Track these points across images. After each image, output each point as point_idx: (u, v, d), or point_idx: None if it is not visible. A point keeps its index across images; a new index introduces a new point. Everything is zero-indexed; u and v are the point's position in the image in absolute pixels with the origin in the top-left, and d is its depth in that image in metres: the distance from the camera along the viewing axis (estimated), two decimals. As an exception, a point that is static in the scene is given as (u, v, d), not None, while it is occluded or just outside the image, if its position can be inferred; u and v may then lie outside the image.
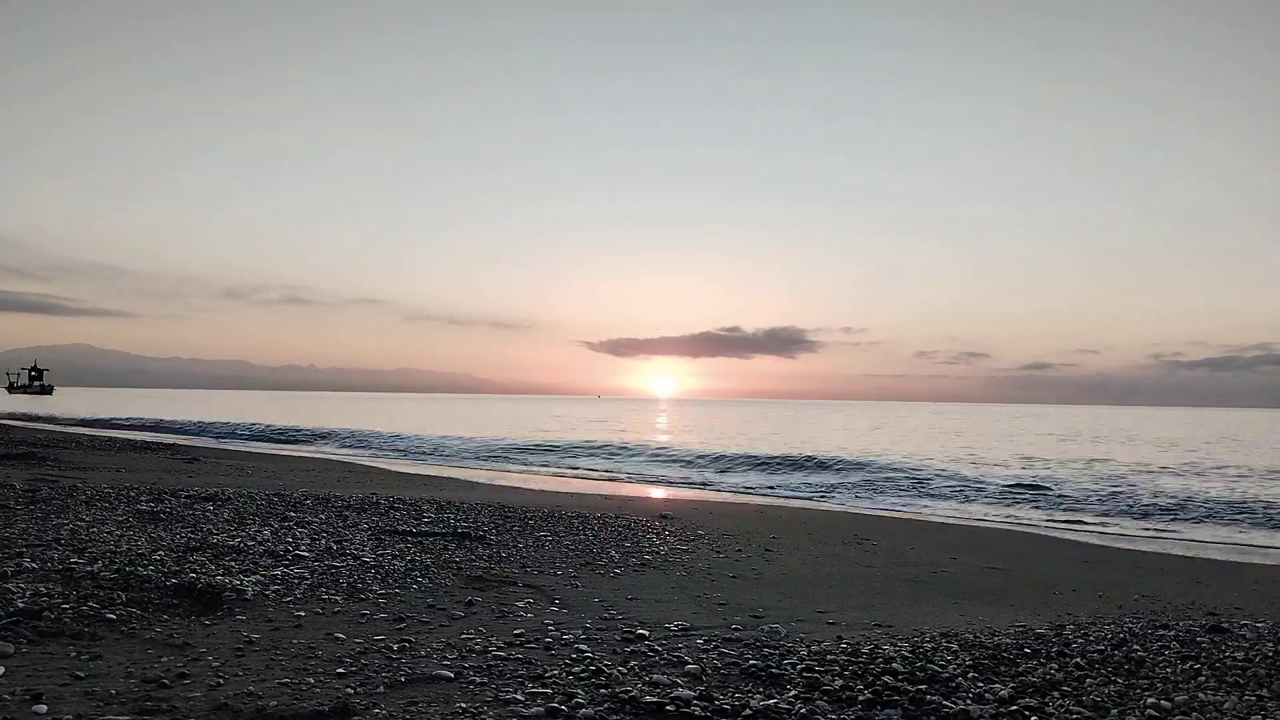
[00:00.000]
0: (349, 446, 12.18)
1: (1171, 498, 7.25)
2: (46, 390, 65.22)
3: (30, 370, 69.54)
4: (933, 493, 7.56)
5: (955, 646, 1.86)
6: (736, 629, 1.98)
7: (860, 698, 1.48)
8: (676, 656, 1.68)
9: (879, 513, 5.66)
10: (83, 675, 1.37)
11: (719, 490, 7.15)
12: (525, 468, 9.26)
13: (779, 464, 9.99)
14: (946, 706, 1.44)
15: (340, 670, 1.49)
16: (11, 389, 66.40)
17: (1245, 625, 2.22)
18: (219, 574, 2.13)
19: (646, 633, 1.87)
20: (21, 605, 1.68)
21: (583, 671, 1.55)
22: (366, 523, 3.11)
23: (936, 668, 1.66)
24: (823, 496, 7.01)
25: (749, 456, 10.72)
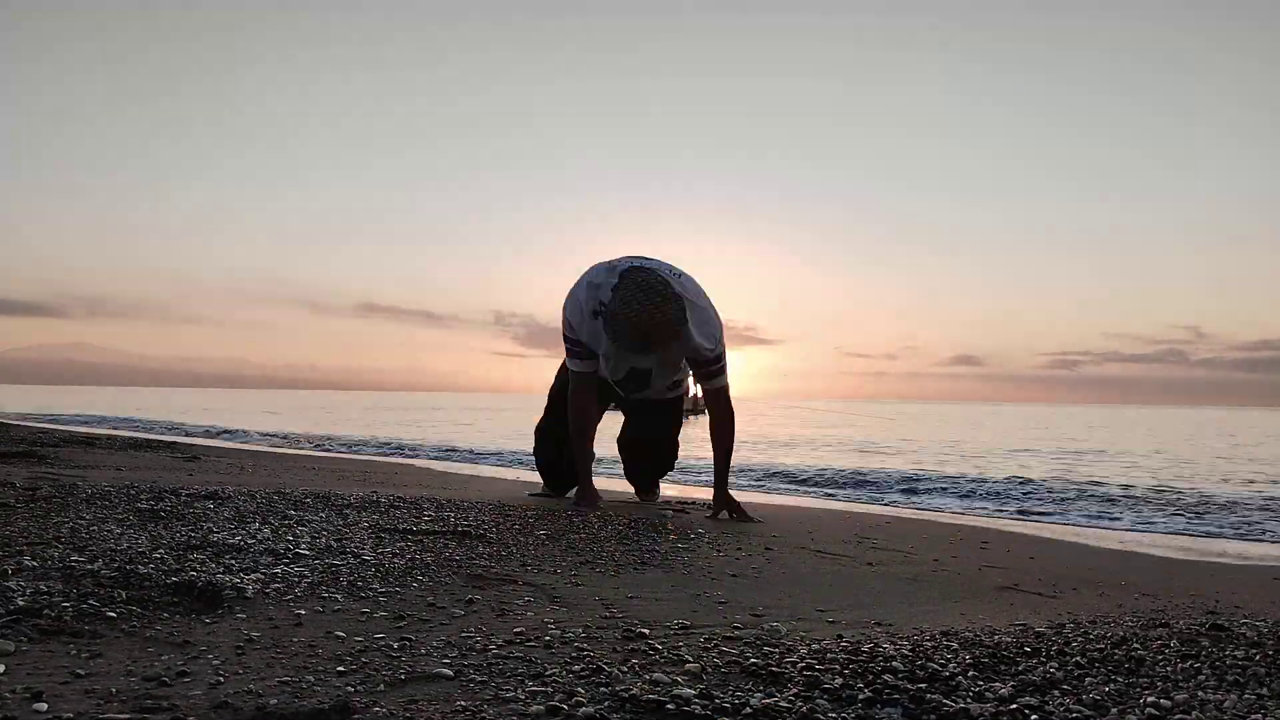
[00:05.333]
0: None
1: (1171, 497, 7.24)
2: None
3: None
4: (931, 491, 7.56)
5: (955, 645, 1.85)
6: (737, 627, 1.97)
7: (860, 696, 1.47)
8: (677, 655, 1.68)
9: (879, 511, 5.66)
10: (83, 673, 1.36)
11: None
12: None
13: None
14: (947, 705, 1.43)
15: (340, 668, 1.48)
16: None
17: (1245, 624, 2.21)
18: (219, 572, 2.12)
19: (647, 631, 1.86)
20: (22, 603, 1.67)
21: (583, 670, 1.54)
22: (367, 521, 3.11)
23: (936, 666, 1.65)
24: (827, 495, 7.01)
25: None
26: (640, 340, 3.20)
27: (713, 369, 3.79)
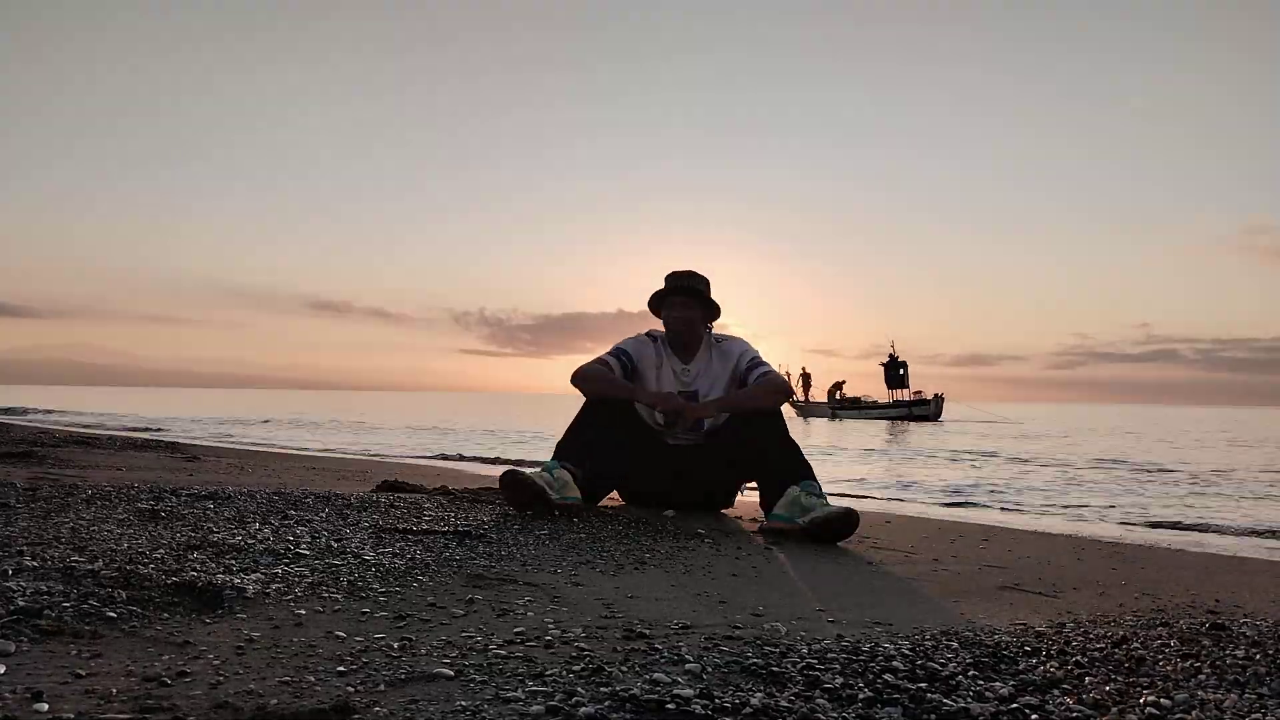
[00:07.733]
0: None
1: (1174, 494, 7.25)
2: (930, 413, 27.54)
3: (890, 362, 32.63)
4: (931, 488, 7.55)
5: (955, 644, 1.85)
6: (737, 627, 1.97)
7: (860, 696, 1.47)
8: (677, 654, 1.68)
9: (879, 511, 5.66)
10: (83, 673, 1.36)
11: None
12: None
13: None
14: (947, 704, 1.43)
15: (341, 668, 1.48)
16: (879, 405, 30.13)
17: (1246, 623, 2.21)
18: (219, 572, 2.12)
19: (647, 631, 1.86)
20: (22, 604, 1.67)
21: (583, 669, 1.54)
22: (367, 521, 3.11)
23: (937, 666, 1.66)
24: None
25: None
26: (675, 280, 3.72)
27: (756, 362, 3.96)
